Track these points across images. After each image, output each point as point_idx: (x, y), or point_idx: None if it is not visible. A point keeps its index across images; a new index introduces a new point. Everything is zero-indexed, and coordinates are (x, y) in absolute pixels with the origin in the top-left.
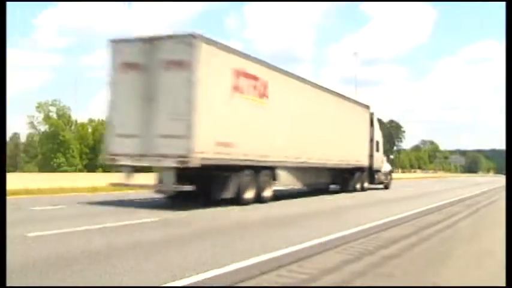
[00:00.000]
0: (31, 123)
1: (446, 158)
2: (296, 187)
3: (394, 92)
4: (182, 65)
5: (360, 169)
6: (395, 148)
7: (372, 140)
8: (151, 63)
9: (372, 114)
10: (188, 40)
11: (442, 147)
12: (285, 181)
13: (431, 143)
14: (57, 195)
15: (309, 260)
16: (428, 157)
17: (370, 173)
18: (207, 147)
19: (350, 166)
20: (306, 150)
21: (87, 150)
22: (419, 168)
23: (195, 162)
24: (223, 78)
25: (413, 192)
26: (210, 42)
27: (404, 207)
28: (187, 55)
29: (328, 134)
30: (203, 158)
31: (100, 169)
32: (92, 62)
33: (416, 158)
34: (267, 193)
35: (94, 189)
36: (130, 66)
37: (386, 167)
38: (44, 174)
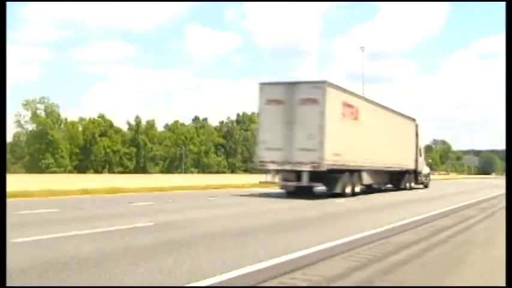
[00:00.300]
0: (18, 121)
1: (459, 158)
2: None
3: (403, 88)
4: (315, 101)
5: (408, 172)
6: None
7: (416, 147)
8: (291, 100)
9: (416, 126)
10: (320, 85)
11: (454, 147)
12: (366, 181)
13: (443, 142)
14: (51, 198)
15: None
16: (440, 157)
17: (415, 175)
18: (329, 156)
19: (402, 169)
20: (377, 157)
21: (77, 151)
22: (431, 169)
23: (324, 167)
24: (337, 108)
25: (432, 193)
26: (332, 85)
27: (426, 209)
28: (319, 95)
29: (389, 144)
30: (328, 164)
31: (91, 170)
32: (84, 56)
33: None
34: (357, 189)
35: (85, 192)
36: (275, 101)
37: (426, 169)
38: (34, 175)
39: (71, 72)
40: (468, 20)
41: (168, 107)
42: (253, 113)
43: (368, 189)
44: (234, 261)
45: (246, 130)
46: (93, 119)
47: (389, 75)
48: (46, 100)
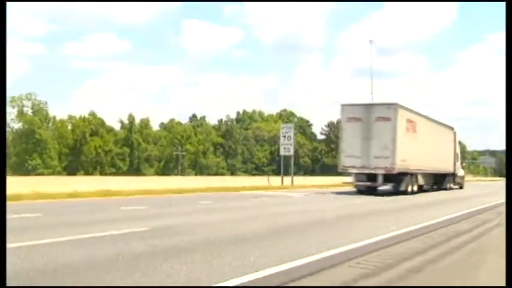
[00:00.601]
0: None
1: (474, 159)
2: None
3: (414, 84)
4: (388, 119)
5: (448, 174)
6: None
7: (454, 152)
8: (368, 118)
9: (454, 134)
10: (392, 107)
11: (469, 148)
12: (420, 182)
13: (458, 142)
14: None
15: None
16: None
17: (453, 177)
18: (398, 162)
19: (444, 172)
20: (428, 162)
21: (67, 151)
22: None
23: (395, 170)
24: (403, 124)
25: (461, 194)
26: (401, 106)
27: (456, 208)
28: (391, 114)
29: (436, 151)
30: (397, 168)
31: (82, 172)
32: (75, 51)
33: None
34: (415, 188)
35: (75, 195)
36: (355, 119)
37: (461, 172)
38: (20, 177)
39: (60, 68)
40: (484, 13)
41: (164, 104)
42: (254, 111)
43: (419, 189)
44: (235, 270)
45: (247, 129)
46: (84, 117)
47: (398, 71)
48: (33, 97)
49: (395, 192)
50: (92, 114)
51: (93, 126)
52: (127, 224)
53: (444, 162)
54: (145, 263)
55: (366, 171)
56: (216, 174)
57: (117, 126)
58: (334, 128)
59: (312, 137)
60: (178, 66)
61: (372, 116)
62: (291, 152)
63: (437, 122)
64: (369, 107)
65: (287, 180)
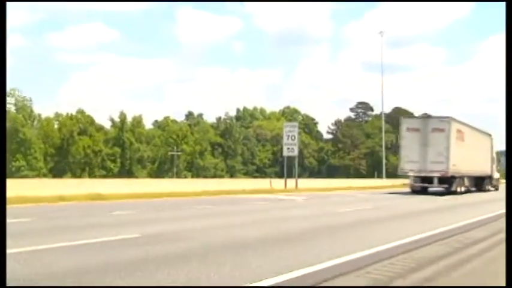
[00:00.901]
0: None
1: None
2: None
3: (428, 78)
4: (442, 130)
5: (486, 177)
6: None
7: (491, 156)
8: (425, 128)
9: (491, 140)
10: (446, 120)
11: None
12: (466, 184)
13: None
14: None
15: None
16: None
17: (490, 179)
18: (451, 167)
19: (483, 175)
20: (472, 166)
21: (53, 151)
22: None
23: (448, 174)
24: (454, 134)
25: (489, 196)
26: (453, 119)
27: (496, 207)
28: (445, 126)
29: (477, 156)
30: (450, 172)
31: (69, 174)
32: (60, 42)
33: None
34: (462, 189)
35: (62, 198)
36: (413, 129)
37: (496, 175)
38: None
39: (45, 61)
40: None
41: (158, 101)
42: (255, 108)
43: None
44: (234, 278)
45: (247, 128)
46: (71, 114)
47: (412, 64)
48: (17, 93)
49: (446, 192)
50: (80, 111)
51: (82, 124)
52: (120, 230)
53: (483, 166)
54: (140, 271)
55: (423, 174)
56: (214, 176)
57: (107, 125)
58: (341, 127)
59: (317, 136)
60: (173, 59)
61: (429, 127)
62: (295, 153)
63: (479, 130)
64: (426, 119)
65: (291, 182)
